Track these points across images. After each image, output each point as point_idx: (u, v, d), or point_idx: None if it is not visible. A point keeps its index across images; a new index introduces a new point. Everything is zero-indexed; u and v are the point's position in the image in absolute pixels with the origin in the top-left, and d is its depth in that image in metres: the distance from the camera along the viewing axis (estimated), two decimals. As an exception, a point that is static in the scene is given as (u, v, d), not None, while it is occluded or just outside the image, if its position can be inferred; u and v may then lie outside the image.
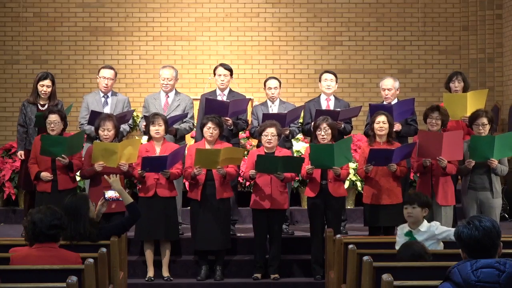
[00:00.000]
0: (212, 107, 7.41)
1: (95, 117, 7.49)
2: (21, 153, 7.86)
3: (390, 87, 7.78)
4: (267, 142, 7.14)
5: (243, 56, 11.35)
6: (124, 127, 7.82)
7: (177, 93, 8.02)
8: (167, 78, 7.92)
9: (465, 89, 7.81)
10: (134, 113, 8.94)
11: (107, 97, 7.98)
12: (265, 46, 11.40)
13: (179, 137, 7.79)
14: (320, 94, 7.98)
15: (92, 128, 7.51)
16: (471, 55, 11.29)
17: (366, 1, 11.42)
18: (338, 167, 6.93)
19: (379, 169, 7.02)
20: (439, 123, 7.09)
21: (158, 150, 7.20)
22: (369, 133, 7.23)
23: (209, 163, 6.98)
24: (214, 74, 7.98)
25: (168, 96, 7.95)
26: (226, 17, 11.39)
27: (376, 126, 7.09)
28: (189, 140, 8.73)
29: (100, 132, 7.09)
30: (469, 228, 3.34)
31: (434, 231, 5.55)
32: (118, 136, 7.34)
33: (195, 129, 8.12)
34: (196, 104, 8.23)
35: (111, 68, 8.08)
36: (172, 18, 11.37)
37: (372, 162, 6.91)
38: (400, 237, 5.69)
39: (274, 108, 7.88)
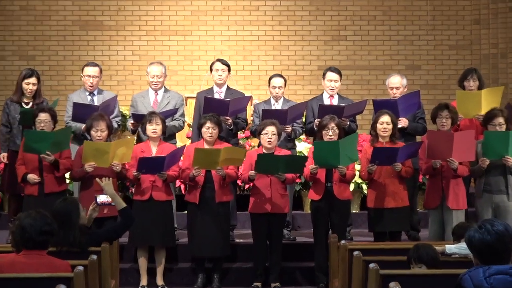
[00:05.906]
0: (211, 106, 7.41)
1: (80, 111, 7.41)
2: (4, 156, 7.82)
3: (398, 85, 7.76)
4: (267, 141, 7.14)
5: (242, 52, 11.36)
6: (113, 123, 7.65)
7: (166, 90, 7.97)
8: (157, 76, 7.86)
9: (480, 88, 7.81)
10: (127, 113, 8.91)
11: (93, 95, 7.91)
12: (265, 41, 11.40)
13: (168, 135, 7.66)
14: (323, 92, 7.99)
15: (78, 125, 7.48)
16: (483, 50, 11.29)
17: (372, -6, 11.44)
18: (343, 166, 6.93)
19: (383, 170, 7.01)
20: (449, 122, 7.10)
21: (154, 150, 7.18)
22: (372, 133, 7.22)
23: (209, 164, 6.96)
24: (211, 70, 7.99)
25: (157, 94, 7.90)
26: (224, 11, 11.40)
27: (379, 126, 7.08)
28: (184, 140, 8.73)
29: (92, 133, 7.06)
30: (481, 233, 3.35)
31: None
32: (111, 136, 7.33)
33: (190, 129, 8.09)
34: (190, 103, 8.19)
35: (95, 65, 8.00)
36: (167, 11, 11.38)
37: (375, 161, 6.90)
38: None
39: (278, 107, 7.84)
